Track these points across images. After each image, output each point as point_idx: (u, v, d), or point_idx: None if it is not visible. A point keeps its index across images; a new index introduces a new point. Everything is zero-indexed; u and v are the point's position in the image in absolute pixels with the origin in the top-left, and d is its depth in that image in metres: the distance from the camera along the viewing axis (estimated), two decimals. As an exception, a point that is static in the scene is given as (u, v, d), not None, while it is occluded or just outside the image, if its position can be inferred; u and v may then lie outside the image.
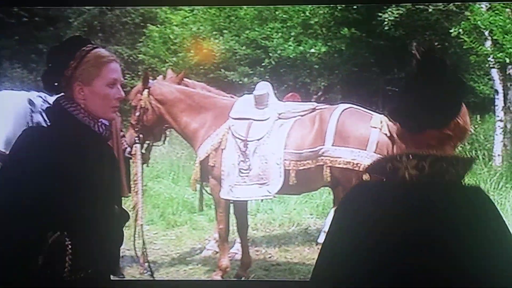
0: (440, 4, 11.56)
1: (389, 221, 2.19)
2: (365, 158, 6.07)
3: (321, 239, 7.80)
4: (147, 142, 7.02)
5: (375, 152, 6.09)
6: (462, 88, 2.39)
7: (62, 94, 2.90)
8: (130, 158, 6.88)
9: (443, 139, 2.28)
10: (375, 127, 6.23)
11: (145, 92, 6.76)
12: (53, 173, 2.68)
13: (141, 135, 6.82)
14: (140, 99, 6.76)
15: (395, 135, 2.44)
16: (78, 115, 2.85)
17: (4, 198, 2.68)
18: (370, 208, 2.24)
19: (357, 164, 6.14)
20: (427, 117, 2.26)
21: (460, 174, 2.26)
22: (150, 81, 6.87)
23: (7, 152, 4.31)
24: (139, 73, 11.98)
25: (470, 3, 10.63)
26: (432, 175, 2.20)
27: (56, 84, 2.89)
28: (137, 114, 6.79)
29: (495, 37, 10.80)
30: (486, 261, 2.15)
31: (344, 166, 6.21)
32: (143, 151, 6.90)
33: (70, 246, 2.70)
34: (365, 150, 6.17)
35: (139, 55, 13.65)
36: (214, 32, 13.22)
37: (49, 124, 2.92)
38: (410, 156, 2.22)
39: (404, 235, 2.17)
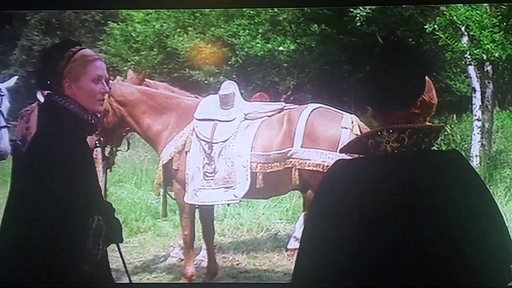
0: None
1: (374, 194, 2.40)
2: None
3: (291, 245, 7.85)
4: (109, 145, 7.00)
5: (346, 154, 6.12)
6: (424, 67, 2.57)
7: (53, 91, 3.37)
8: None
9: (412, 118, 2.49)
10: (346, 128, 6.26)
11: (105, 93, 6.74)
12: (74, 164, 3.17)
13: (101, 138, 6.78)
14: (100, 101, 6.74)
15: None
16: (74, 109, 3.30)
17: (44, 195, 3.10)
18: (352, 183, 2.45)
19: (327, 166, 6.10)
20: (392, 99, 2.47)
21: (432, 143, 2.51)
22: (110, 81, 6.86)
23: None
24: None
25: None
26: (411, 146, 2.43)
27: (49, 82, 3.36)
28: (98, 116, 6.78)
29: (471, 33, 10.87)
30: (470, 215, 2.42)
31: (314, 169, 6.22)
32: (107, 155, 6.90)
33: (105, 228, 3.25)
34: (336, 151, 6.15)
35: (100, 54, 13.50)
36: (178, 30, 13.23)
37: (44, 118, 3.41)
38: (390, 130, 2.44)
39: (390, 206, 2.37)
